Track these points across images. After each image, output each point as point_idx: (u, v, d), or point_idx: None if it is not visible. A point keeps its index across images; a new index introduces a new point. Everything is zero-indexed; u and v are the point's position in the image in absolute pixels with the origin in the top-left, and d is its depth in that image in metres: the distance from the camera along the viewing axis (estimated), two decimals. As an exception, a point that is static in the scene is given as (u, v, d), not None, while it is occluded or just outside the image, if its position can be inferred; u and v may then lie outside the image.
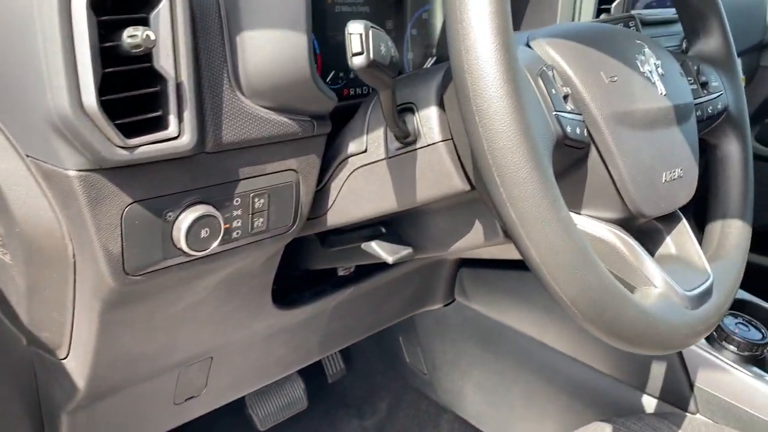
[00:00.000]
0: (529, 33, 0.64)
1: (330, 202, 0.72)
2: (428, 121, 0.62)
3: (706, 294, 0.64)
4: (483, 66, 0.47)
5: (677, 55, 0.75)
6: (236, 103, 0.60)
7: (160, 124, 0.54)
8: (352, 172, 0.69)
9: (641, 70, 0.64)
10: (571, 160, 0.61)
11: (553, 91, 0.57)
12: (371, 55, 0.51)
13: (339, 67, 0.79)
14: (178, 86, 0.54)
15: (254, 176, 0.64)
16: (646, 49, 0.66)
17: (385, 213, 0.69)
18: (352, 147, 0.68)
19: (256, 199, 0.64)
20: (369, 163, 0.67)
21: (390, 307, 1.22)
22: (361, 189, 0.69)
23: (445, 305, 1.36)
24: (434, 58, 0.92)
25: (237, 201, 0.63)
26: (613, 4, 1.00)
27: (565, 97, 0.58)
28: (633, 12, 1.06)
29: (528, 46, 0.62)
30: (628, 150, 0.60)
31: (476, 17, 0.48)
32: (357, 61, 0.51)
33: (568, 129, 0.56)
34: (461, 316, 1.35)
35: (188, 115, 0.54)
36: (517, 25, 1.00)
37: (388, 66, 0.53)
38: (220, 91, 0.58)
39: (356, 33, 0.51)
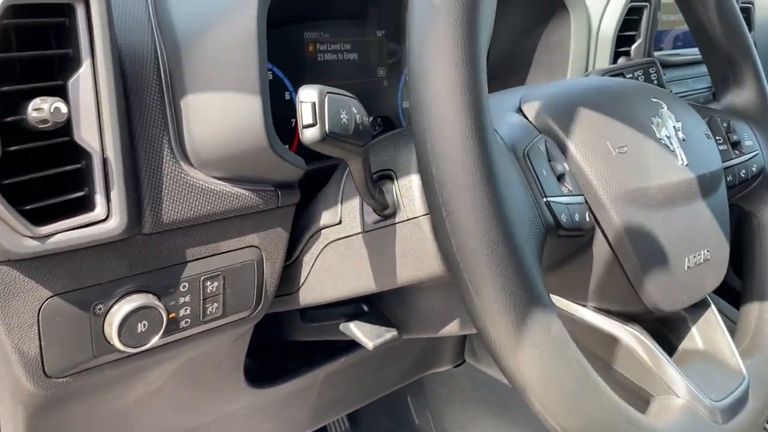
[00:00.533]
0: (522, 93, 0.54)
1: (302, 279, 0.64)
2: (409, 191, 0.53)
3: (741, 402, 0.54)
4: (449, 151, 0.38)
5: (703, 110, 0.65)
6: (180, 176, 0.52)
7: (86, 204, 0.47)
8: (325, 246, 0.61)
9: (657, 136, 0.54)
10: (571, 248, 0.51)
11: (544, 172, 0.47)
12: (326, 127, 0.42)
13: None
14: (105, 161, 0.46)
15: (206, 257, 0.55)
16: (664, 109, 0.56)
17: (362, 293, 0.61)
18: (326, 218, 0.60)
19: (208, 283, 0.56)
20: (344, 237, 0.59)
21: (393, 371, 1.12)
22: (336, 265, 0.61)
23: (455, 366, 1.25)
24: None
25: (184, 286, 0.54)
26: (633, 46, 0.90)
27: (561, 177, 0.48)
28: (656, 54, 0.96)
29: (520, 110, 0.53)
30: (641, 234, 0.50)
31: (442, 89, 0.39)
32: (308, 134, 0.42)
33: (563, 218, 0.46)
34: (471, 378, 1.25)
35: (117, 193, 0.47)
36: (524, 71, 0.91)
37: (352, 136, 0.45)
38: (159, 163, 0.50)
39: (307, 101, 0.42)
